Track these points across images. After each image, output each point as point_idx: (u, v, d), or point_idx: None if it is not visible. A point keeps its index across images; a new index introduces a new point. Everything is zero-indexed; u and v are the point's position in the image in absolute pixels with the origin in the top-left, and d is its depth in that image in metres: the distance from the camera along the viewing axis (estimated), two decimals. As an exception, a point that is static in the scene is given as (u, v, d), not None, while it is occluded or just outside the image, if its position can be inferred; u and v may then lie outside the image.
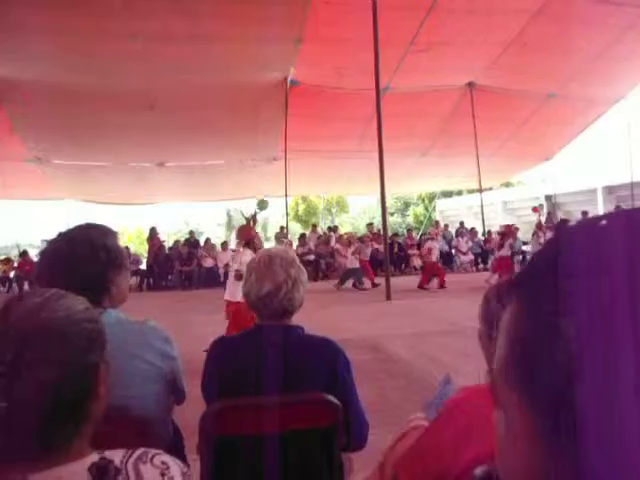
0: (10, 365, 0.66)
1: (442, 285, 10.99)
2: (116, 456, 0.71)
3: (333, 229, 17.11)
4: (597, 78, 12.49)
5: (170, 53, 9.93)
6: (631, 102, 14.83)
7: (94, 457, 0.70)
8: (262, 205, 7.05)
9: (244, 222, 5.83)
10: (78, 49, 9.53)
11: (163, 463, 0.73)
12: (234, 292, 5.17)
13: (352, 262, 11.61)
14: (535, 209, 14.63)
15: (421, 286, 10.95)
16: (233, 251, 5.97)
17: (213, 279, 13.54)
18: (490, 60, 11.81)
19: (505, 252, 11.27)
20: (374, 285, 11.51)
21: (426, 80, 12.26)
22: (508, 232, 11.76)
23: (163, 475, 0.71)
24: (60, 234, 1.41)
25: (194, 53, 10.06)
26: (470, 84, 13.15)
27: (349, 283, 11.70)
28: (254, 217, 5.73)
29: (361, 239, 13.13)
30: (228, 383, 1.45)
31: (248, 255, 5.19)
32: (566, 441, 0.25)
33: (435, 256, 11.52)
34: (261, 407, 1.40)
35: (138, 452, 0.73)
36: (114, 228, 1.50)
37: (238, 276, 5.08)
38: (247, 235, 5.39)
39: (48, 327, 0.71)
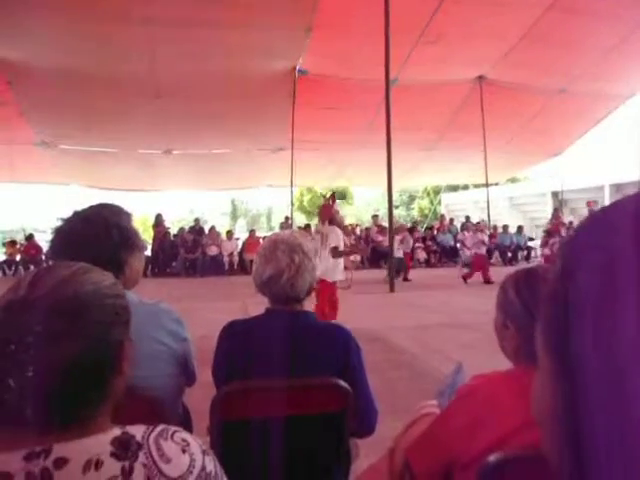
0: (38, 336, 0.67)
1: (488, 280, 10.42)
2: (137, 431, 0.72)
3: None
4: (609, 74, 12.35)
5: (178, 40, 9.88)
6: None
7: (116, 431, 0.71)
8: (342, 195, 7.01)
9: (323, 202, 5.89)
10: (88, 35, 9.50)
11: (183, 440, 0.74)
12: (326, 270, 5.14)
13: (398, 251, 11.40)
14: (590, 203, 14.31)
15: (465, 278, 10.70)
16: (317, 233, 6.03)
17: (217, 267, 13.59)
18: (501, 54, 11.69)
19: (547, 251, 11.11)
20: (406, 279, 11.47)
21: (435, 73, 12.17)
22: (554, 230, 11.70)
23: (184, 451, 0.72)
24: (75, 213, 1.42)
25: (203, 41, 10.01)
26: (480, 77, 13.04)
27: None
28: (333, 195, 5.75)
29: (410, 230, 12.95)
30: (238, 367, 1.46)
31: (337, 231, 5.31)
32: (570, 387, 0.37)
33: (484, 249, 11.24)
34: (271, 390, 1.41)
35: (159, 428, 0.73)
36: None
37: (335, 253, 5.15)
38: (328, 214, 5.47)
39: (76, 300, 0.72)
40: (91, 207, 1.44)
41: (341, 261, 5.44)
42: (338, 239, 5.22)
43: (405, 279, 11.49)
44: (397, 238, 11.54)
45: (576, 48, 11.05)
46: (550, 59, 11.50)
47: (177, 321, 1.47)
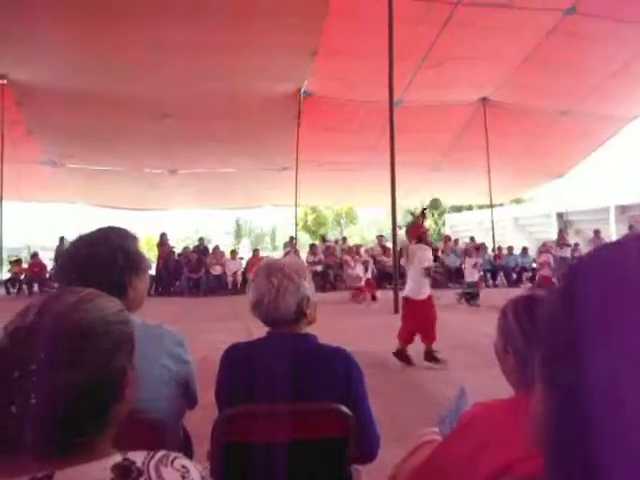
0: (42, 363, 0.68)
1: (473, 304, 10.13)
2: (138, 457, 0.72)
3: (341, 240, 17.12)
4: (612, 96, 12.44)
5: (186, 62, 10.07)
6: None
7: (117, 457, 0.71)
8: (435, 204, 6.85)
9: (412, 220, 5.71)
10: (96, 56, 9.70)
11: (183, 467, 0.74)
12: (415, 289, 5.21)
13: (472, 275, 10.72)
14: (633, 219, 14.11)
15: (468, 301, 10.34)
16: (404, 251, 5.93)
17: (221, 286, 13.57)
18: (504, 76, 11.82)
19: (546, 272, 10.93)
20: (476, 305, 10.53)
21: (439, 95, 12.30)
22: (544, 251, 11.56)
23: (183, 478, 0.72)
24: (80, 236, 1.44)
25: (210, 63, 10.19)
26: (483, 99, 13.17)
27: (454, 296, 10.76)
28: (423, 213, 5.60)
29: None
30: (240, 391, 1.46)
31: (426, 250, 5.28)
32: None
33: (476, 276, 10.79)
34: (272, 415, 1.40)
35: (159, 455, 0.73)
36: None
37: (427, 273, 5.17)
38: (416, 233, 5.41)
39: (80, 327, 0.73)
40: (97, 230, 1.46)
41: (426, 279, 5.37)
42: (428, 259, 5.23)
43: (475, 304, 10.53)
44: (469, 261, 10.92)
45: (579, 71, 11.16)
46: (553, 81, 11.61)
47: (179, 343, 1.47)
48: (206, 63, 10.17)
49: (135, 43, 9.37)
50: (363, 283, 11.74)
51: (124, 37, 9.16)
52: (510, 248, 15.73)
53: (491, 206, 15.45)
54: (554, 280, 10.87)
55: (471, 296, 10.40)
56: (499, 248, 15.48)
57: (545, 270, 11.17)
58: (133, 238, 1.47)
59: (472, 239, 16.74)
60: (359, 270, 11.93)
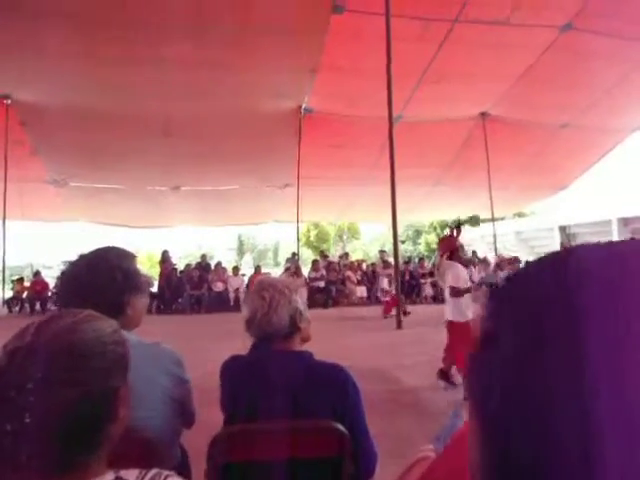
0: (38, 382, 0.69)
1: None
2: (130, 476, 0.72)
3: (343, 256, 17.14)
4: (611, 109, 12.52)
5: (188, 80, 10.19)
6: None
7: (110, 476, 0.72)
8: (474, 221, 6.32)
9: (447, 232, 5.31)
10: (99, 75, 9.81)
11: None
12: (455, 311, 4.77)
13: None
14: None
15: None
16: (436, 268, 5.54)
17: (223, 303, 13.55)
18: (503, 91, 11.93)
19: None
20: None
21: (439, 110, 12.40)
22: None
23: None
24: (80, 256, 1.46)
25: (211, 81, 10.32)
26: (483, 114, 13.26)
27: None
28: (458, 227, 5.23)
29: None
30: (238, 406, 1.46)
31: (457, 268, 4.80)
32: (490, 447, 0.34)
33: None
34: (269, 434, 1.40)
35: (151, 473, 0.74)
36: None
37: (454, 292, 4.74)
38: (449, 245, 5.00)
39: (76, 348, 0.75)
40: (97, 250, 1.48)
41: (467, 298, 4.88)
42: (457, 277, 4.77)
43: None
44: (501, 274, 10.72)
45: (577, 85, 11.26)
46: (551, 96, 11.71)
47: (177, 362, 1.47)
48: (208, 81, 10.30)
49: (138, 61, 9.49)
50: (389, 298, 11.68)
51: (127, 55, 9.29)
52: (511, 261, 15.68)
53: (493, 220, 15.45)
54: None
55: None
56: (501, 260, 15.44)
57: None
58: (131, 257, 1.49)
59: (474, 253, 16.72)
60: (384, 284, 11.75)
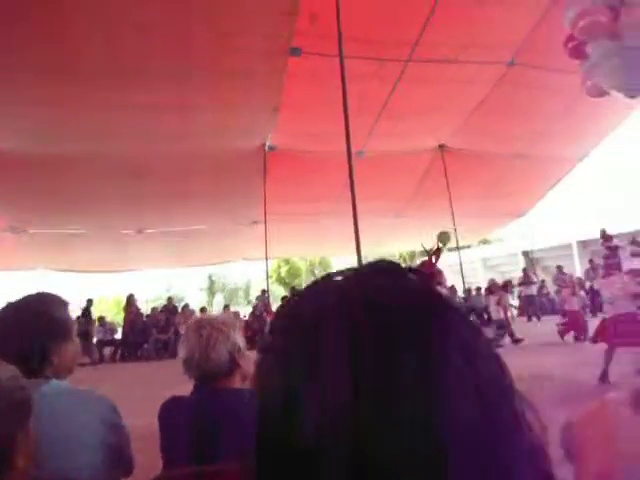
0: None
1: (579, 337, 9.73)
2: None
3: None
4: (559, 138, 13.16)
5: (151, 123, 10.21)
6: (594, 160, 15.58)
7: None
8: (443, 238, 6.16)
9: (426, 257, 5.12)
10: (59, 118, 9.73)
11: None
12: None
13: (497, 312, 10.64)
14: None
15: (562, 335, 10.12)
16: None
17: (192, 345, 13.23)
18: (458, 124, 12.40)
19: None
20: (515, 341, 10.37)
21: (399, 144, 12.75)
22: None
23: None
24: (8, 303, 1.42)
25: (175, 122, 10.36)
26: (441, 146, 13.71)
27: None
28: (437, 251, 5.13)
29: (504, 286, 12.56)
30: (176, 451, 1.42)
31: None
32: None
33: (575, 305, 10.60)
34: (211, 476, 1.36)
35: None
36: (86, 297, 1.52)
37: None
38: (427, 271, 4.70)
39: None
40: (25, 297, 1.45)
41: None
42: None
43: (515, 340, 10.43)
44: (492, 298, 10.85)
45: (525, 116, 11.83)
46: (503, 127, 12.24)
47: (111, 408, 1.44)
48: (172, 123, 10.34)
49: (99, 104, 9.45)
50: None
51: (88, 98, 9.25)
52: (479, 289, 15.97)
53: (458, 248, 15.76)
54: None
55: (499, 335, 10.19)
56: (468, 290, 15.69)
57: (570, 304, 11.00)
58: (61, 304, 1.46)
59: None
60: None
